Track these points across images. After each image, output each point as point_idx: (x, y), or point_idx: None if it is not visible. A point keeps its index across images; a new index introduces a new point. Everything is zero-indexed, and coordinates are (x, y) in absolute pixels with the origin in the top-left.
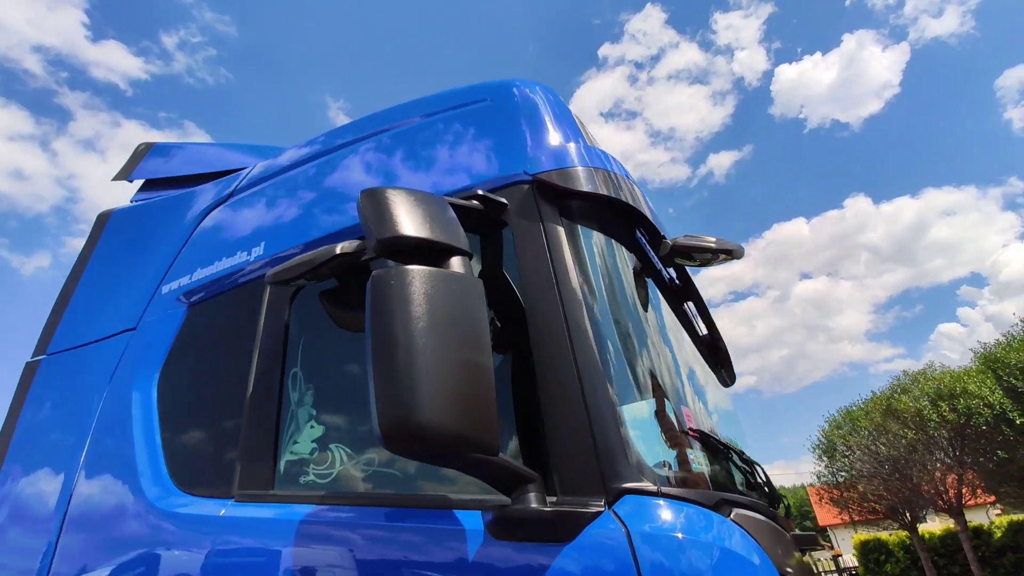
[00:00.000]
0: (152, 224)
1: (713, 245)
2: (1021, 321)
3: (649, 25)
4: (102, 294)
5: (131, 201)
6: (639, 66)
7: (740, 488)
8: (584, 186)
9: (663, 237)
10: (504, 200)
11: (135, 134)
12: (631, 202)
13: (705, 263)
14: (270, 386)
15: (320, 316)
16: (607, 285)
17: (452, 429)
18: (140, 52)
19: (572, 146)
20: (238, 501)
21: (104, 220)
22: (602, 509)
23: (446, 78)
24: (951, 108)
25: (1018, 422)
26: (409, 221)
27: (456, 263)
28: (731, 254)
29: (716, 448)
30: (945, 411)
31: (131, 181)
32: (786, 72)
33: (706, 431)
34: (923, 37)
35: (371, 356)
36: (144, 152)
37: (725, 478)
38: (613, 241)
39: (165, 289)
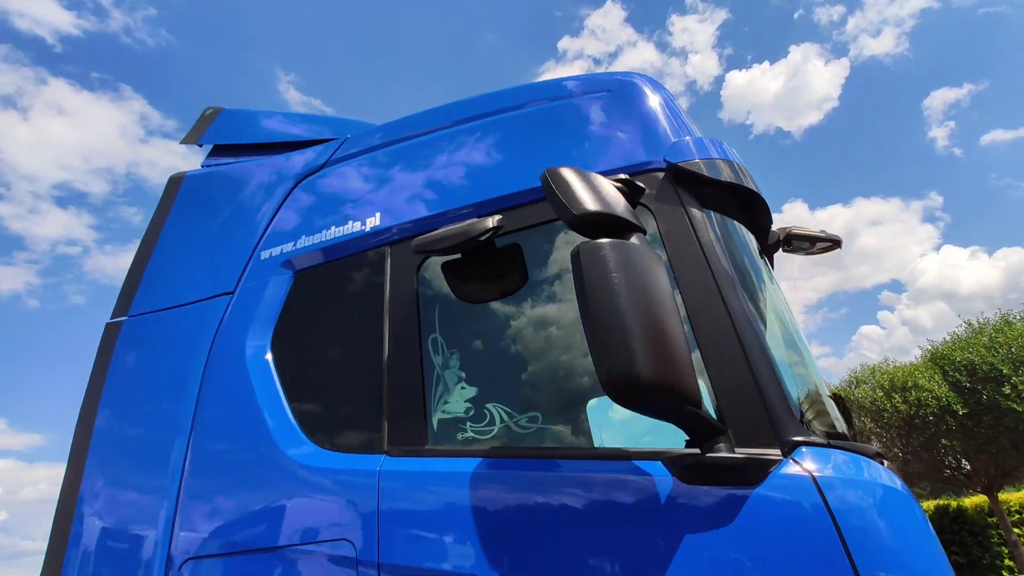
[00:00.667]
0: (234, 189)
1: (820, 235)
2: (965, 323)
3: (609, 22)
4: (186, 257)
5: (202, 166)
6: (597, 61)
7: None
8: (718, 175)
9: (770, 224)
10: (643, 185)
11: (63, 94)
12: (754, 190)
13: (807, 251)
14: (410, 350)
15: (451, 285)
16: (742, 264)
17: (668, 383)
18: (72, 6)
19: (700, 138)
20: (392, 456)
21: (177, 183)
22: (782, 458)
23: (402, 64)
24: (883, 123)
25: (960, 413)
26: (599, 199)
27: (638, 238)
28: (835, 244)
29: (839, 406)
30: (898, 402)
31: (200, 146)
32: (736, 79)
33: (828, 390)
34: (862, 55)
35: (589, 318)
36: (212, 117)
37: (849, 432)
38: (739, 225)
39: (264, 255)
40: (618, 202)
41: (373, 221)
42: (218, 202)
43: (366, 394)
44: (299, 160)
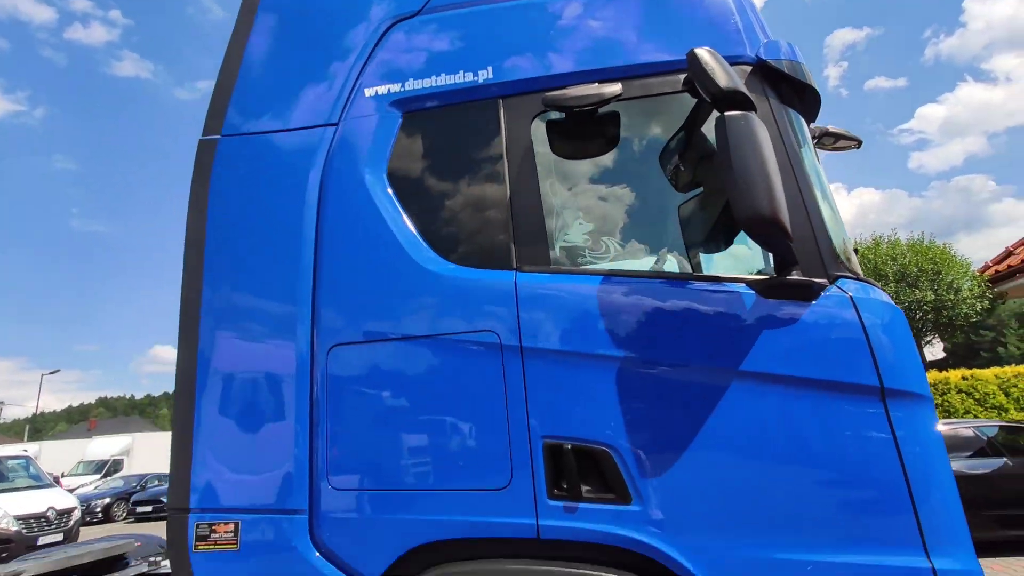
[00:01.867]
0: (319, 19)
1: (844, 133)
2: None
3: None
4: (275, 79)
5: None
6: None
7: None
8: (799, 75)
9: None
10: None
11: None
12: (818, 93)
13: (828, 147)
14: (530, 189)
15: (565, 139)
16: (805, 151)
17: (781, 223)
18: None
19: (781, 41)
20: (522, 271)
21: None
22: (829, 284)
23: None
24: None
25: None
26: (734, 79)
27: (755, 113)
28: (856, 143)
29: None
30: None
31: None
32: None
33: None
34: None
35: (732, 170)
36: None
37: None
38: (802, 119)
39: (368, 92)
40: (742, 84)
41: (485, 74)
42: (301, 28)
43: (492, 224)
44: (392, 2)
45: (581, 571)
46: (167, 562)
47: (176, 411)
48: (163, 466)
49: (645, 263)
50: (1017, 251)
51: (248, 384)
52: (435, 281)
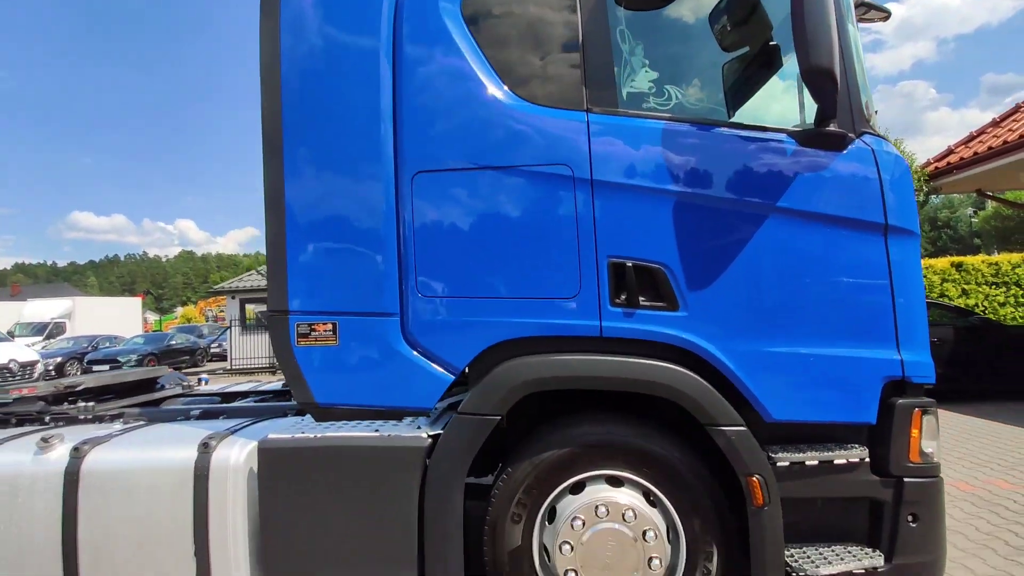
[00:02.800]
0: None
1: (876, 5)
2: None
3: None
4: None
5: None
6: None
7: None
8: None
9: None
10: None
11: None
12: None
13: (863, 19)
14: (602, 36)
15: None
16: (849, 13)
17: (834, 75)
18: None
19: None
20: (592, 112)
21: None
22: (856, 138)
23: None
24: None
25: None
26: None
27: None
28: (885, 16)
29: None
30: None
31: None
32: None
33: None
34: None
35: (804, 23)
36: None
37: None
38: None
39: None
40: None
41: None
42: None
43: (565, 66)
44: None
45: (636, 360)
46: (201, 386)
47: (268, 227)
48: (109, 329)
49: (702, 112)
50: (958, 150)
51: (338, 206)
52: (512, 116)
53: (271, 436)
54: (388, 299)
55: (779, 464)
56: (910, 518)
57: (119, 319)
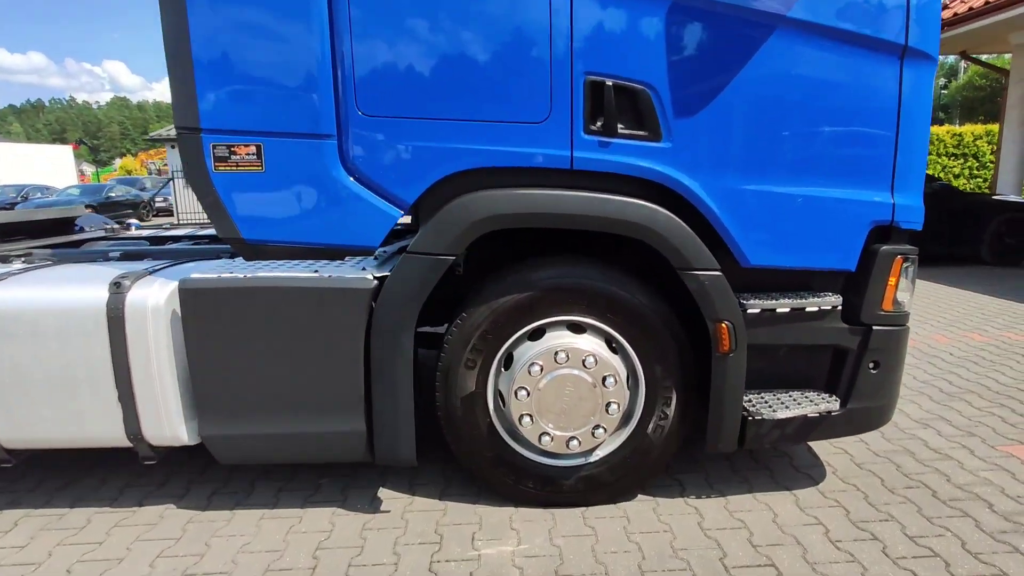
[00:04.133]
0: None
1: None
2: None
3: None
4: None
5: None
6: None
7: None
8: None
9: None
10: None
11: None
12: None
13: None
14: None
15: None
16: None
17: None
18: None
19: None
20: None
21: None
22: None
23: None
24: None
25: None
26: None
27: None
28: None
29: None
30: None
31: None
32: None
33: None
34: None
35: None
36: None
37: None
38: None
39: None
40: None
41: None
42: None
43: None
44: None
45: (610, 197)
46: (132, 230)
47: (163, 15)
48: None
49: None
50: (952, 4)
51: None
52: None
53: (194, 276)
54: (323, 117)
55: (749, 311)
56: (872, 365)
57: (50, 170)
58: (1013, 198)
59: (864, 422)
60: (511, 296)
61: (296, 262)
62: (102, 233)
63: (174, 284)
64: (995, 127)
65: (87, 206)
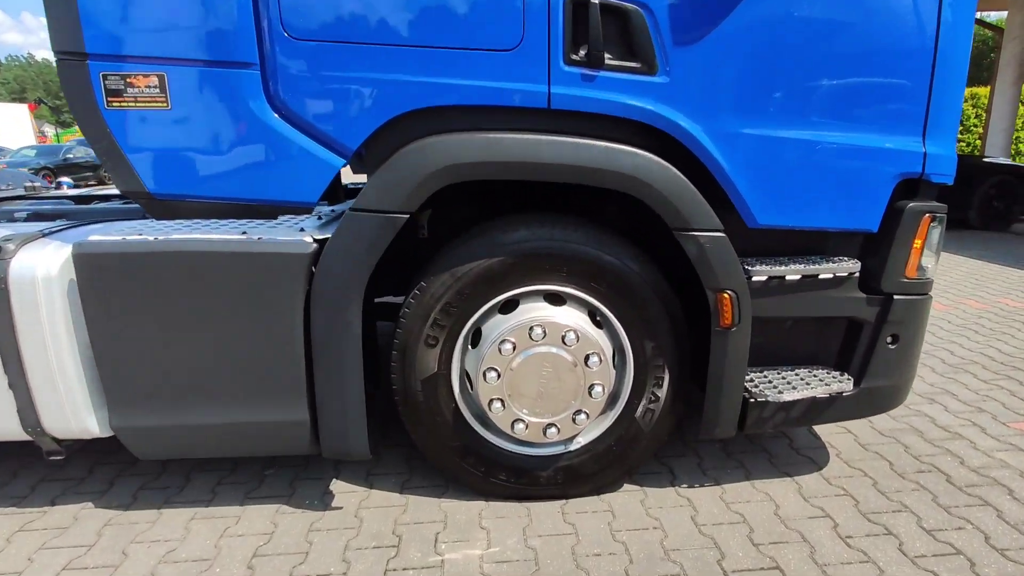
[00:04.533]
0: None
1: None
2: None
3: None
4: None
5: None
6: None
7: None
8: None
9: None
10: None
11: None
12: None
13: None
14: None
15: None
16: None
17: None
18: None
19: None
20: None
21: None
22: None
23: None
24: None
25: None
26: None
27: None
28: None
29: None
30: None
31: None
32: None
33: None
34: None
35: None
36: None
37: None
38: None
39: None
40: None
41: None
42: None
43: None
44: None
45: (596, 143)
46: (63, 189)
47: None
48: None
49: None
50: None
51: None
52: None
53: (92, 238)
54: (241, 40)
55: (755, 279)
56: (890, 339)
57: (5, 130)
58: (1003, 161)
59: (878, 403)
60: (478, 262)
61: (221, 222)
62: (20, 192)
63: (69, 249)
64: (979, 90)
65: (40, 170)
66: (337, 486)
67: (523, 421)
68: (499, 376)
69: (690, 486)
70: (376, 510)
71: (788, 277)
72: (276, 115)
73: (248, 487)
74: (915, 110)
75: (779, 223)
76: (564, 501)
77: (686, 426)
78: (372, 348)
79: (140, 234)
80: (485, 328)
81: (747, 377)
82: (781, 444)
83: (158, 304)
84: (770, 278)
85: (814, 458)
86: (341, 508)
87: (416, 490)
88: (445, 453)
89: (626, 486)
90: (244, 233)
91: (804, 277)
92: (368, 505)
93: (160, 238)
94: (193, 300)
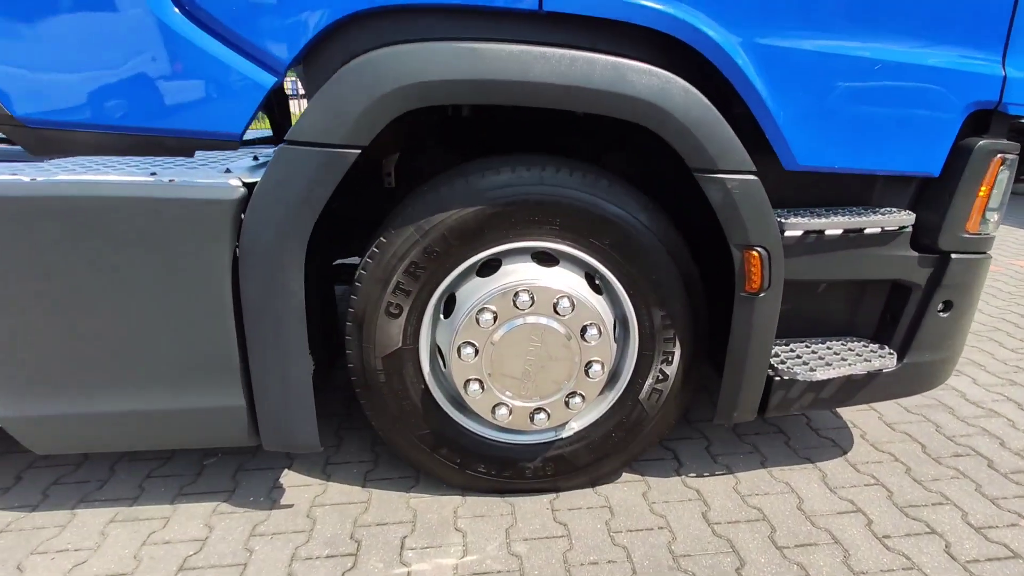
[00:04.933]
0: None
1: None
2: None
3: None
4: None
5: None
6: None
7: None
8: None
9: None
10: None
11: None
12: None
13: None
14: None
15: None
16: None
17: None
18: None
19: None
20: None
21: None
22: None
23: None
24: None
25: None
26: None
27: None
28: None
29: None
30: None
31: None
32: None
33: None
34: None
35: None
36: None
37: None
38: None
39: None
40: None
41: None
42: None
43: None
44: None
45: (600, 57)
46: None
47: None
48: None
49: None
50: None
51: None
52: None
53: None
54: None
55: (788, 233)
56: (941, 306)
57: None
58: None
59: (922, 381)
60: (450, 212)
61: (123, 160)
62: None
63: None
64: None
65: None
66: (289, 478)
67: (506, 405)
68: (477, 352)
69: (699, 475)
70: (333, 508)
71: (828, 232)
72: (181, 15)
73: (183, 480)
74: (996, 21)
75: (823, 165)
76: (554, 495)
77: (691, 405)
78: (333, 318)
79: (15, 174)
80: (460, 294)
81: (772, 352)
82: (798, 424)
83: (41, 265)
84: (806, 233)
85: (836, 440)
86: (291, 506)
87: (381, 483)
88: (413, 443)
89: (625, 475)
90: (153, 174)
91: (847, 232)
92: (324, 502)
93: (41, 179)
94: (89, 259)
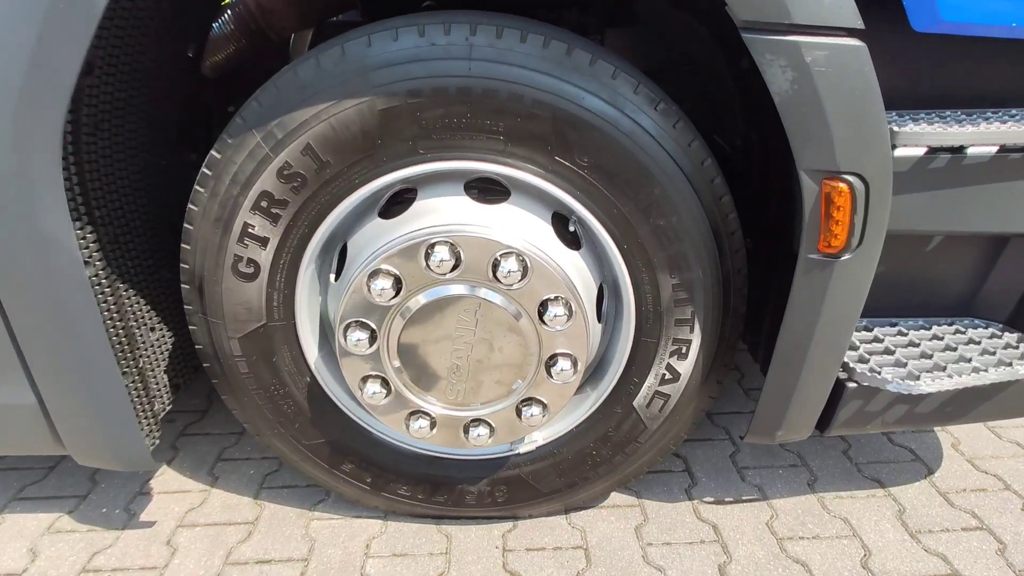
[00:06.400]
0: None
1: None
2: None
3: None
4: None
5: None
6: None
7: None
8: None
9: None
10: None
11: None
12: None
13: None
14: None
15: None
16: None
17: None
18: None
19: None
20: None
21: None
22: None
23: None
24: None
25: None
26: None
27: None
28: None
29: None
30: None
31: None
32: None
33: None
34: None
35: None
36: None
37: None
38: None
39: None
40: None
41: None
42: None
43: None
44: None
45: None
46: None
47: None
48: None
49: None
50: None
51: None
52: None
53: None
54: None
55: (903, 153)
56: None
57: None
58: None
59: None
60: (318, 108)
61: None
62: None
63: None
64: None
65: None
66: (163, 480)
67: (425, 415)
68: (373, 337)
69: (718, 501)
70: (204, 532)
71: (973, 151)
72: None
73: (28, 476)
74: None
75: (973, 21)
76: (511, 524)
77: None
78: None
79: None
80: (352, 244)
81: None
82: None
83: None
84: (933, 151)
85: (917, 451)
86: (151, 525)
87: (281, 492)
88: (303, 456)
89: (614, 496)
90: None
91: (1004, 151)
92: (196, 520)
93: None
94: None
